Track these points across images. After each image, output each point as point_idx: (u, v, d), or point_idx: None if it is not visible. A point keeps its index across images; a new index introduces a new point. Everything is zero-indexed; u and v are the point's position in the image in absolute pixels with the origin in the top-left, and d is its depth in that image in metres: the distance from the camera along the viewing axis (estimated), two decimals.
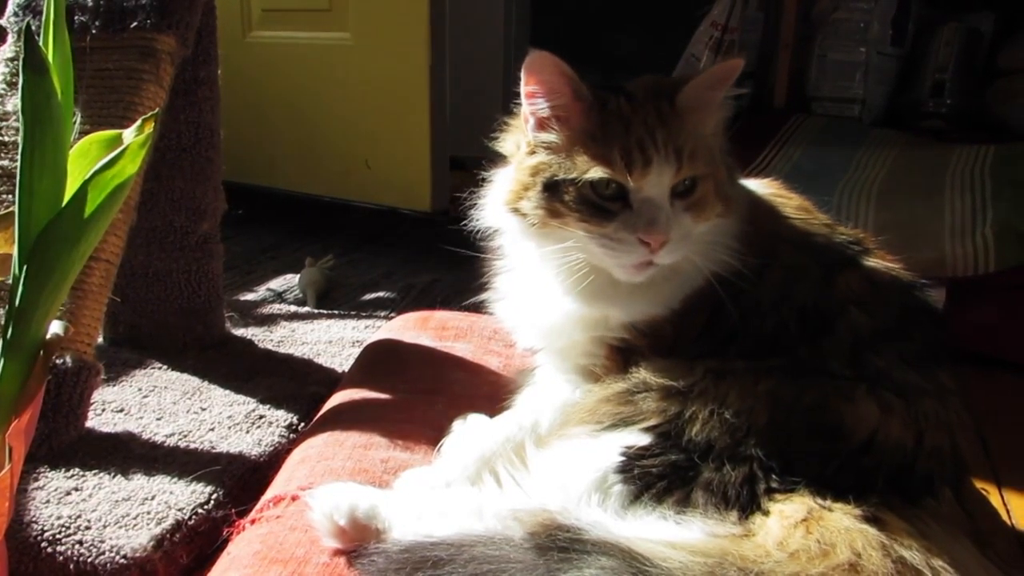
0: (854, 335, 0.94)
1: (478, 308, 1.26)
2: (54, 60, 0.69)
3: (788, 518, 0.77)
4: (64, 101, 0.68)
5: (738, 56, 1.01)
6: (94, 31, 1.42)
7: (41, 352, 0.72)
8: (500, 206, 1.05)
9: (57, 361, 1.22)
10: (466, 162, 2.81)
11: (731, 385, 0.88)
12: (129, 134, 0.71)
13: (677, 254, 0.96)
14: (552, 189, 0.97)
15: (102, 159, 0.68)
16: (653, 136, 0.93)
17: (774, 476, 0.81)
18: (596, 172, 0.94)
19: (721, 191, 1.00)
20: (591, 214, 0.95)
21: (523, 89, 0.99)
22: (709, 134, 1.01)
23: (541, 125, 1.00)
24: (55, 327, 0.75)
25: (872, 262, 1.02)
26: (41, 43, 0.69)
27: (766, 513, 0.79)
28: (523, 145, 1.03)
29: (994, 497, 1.30)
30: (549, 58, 0.95)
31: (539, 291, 1.07)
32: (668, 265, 0.98)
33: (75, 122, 1.37)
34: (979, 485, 1.29)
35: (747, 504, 0.80)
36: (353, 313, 2.07)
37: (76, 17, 1.43)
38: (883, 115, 2.86)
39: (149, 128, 0.70)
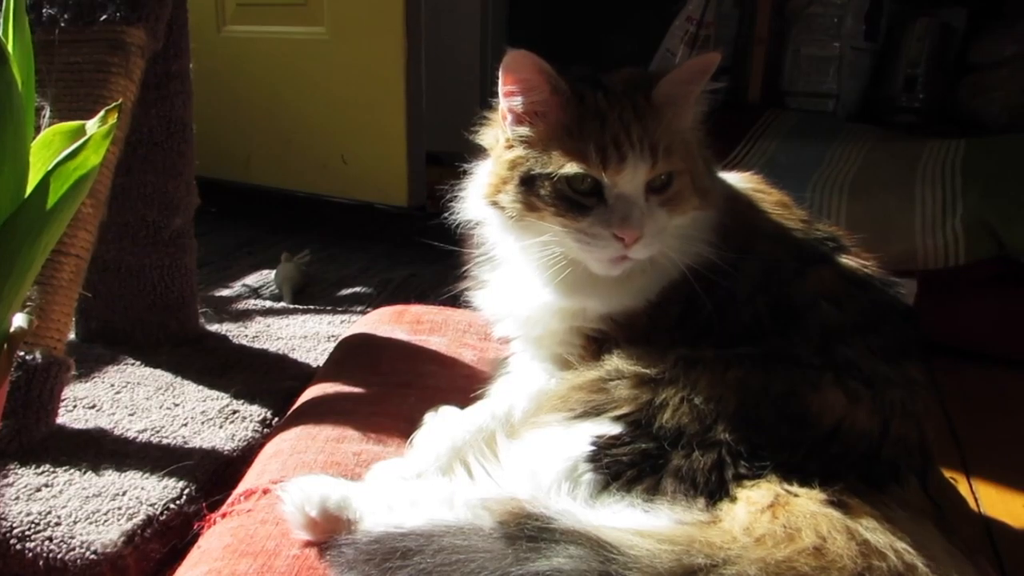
0: (823, 327, 0.95)
1: (454, 302, 1.26)
2: (14, 50, 0.68)
3: (755, 504, 0.78)
4: (25, 92, 0.68)
5: (713, 51, 1.01)
6: (63, 24, 1.40)
7: (5, 345, 0.72)
8: (480, 199, 1.06)
9: (27, 357, 1.21)
10: (443, 157, 2.80)
11: (701, 372, 0.89)
12: (92, 125, 0.70)
13: (652, 248, 0.96)
14: (529, 183, 0.98)
15: (65, 150, 0.67)
16: (628, 132, 0.94)
17: (742, 462, 0.82)
18: (571, 167, 0.94)
19: (698, 185, 1.00)
20: (567, 208, 0.95)
21: (501, 87, 1.00)
22: (686, 128, 1.02)
23: (519, 120, 1.01)
24: (19, 320, 0.74)
25: (846, 259, 1.03)
26: (1, 34, 0.68)
27: (733, 500, 0.80)
28: (502, 139, 1.04)
29: (963, 486, 1.32)
30: (528, 56, 0.95)
31: (518, 281, 1.08)
32: (643, 261, 0.98)
33: (44, 116, 1.36)
34: (948, 475, 1.31)
35: (715, 490, 0.81)
36: (329, 308, 2.06)
37: (45, 10, 1.41)
38: (857, 110, 2.88)
39: (113, 119, 0.69)
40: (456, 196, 1.12)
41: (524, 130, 1.00)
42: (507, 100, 1.00)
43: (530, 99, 0.98)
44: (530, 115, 0.99)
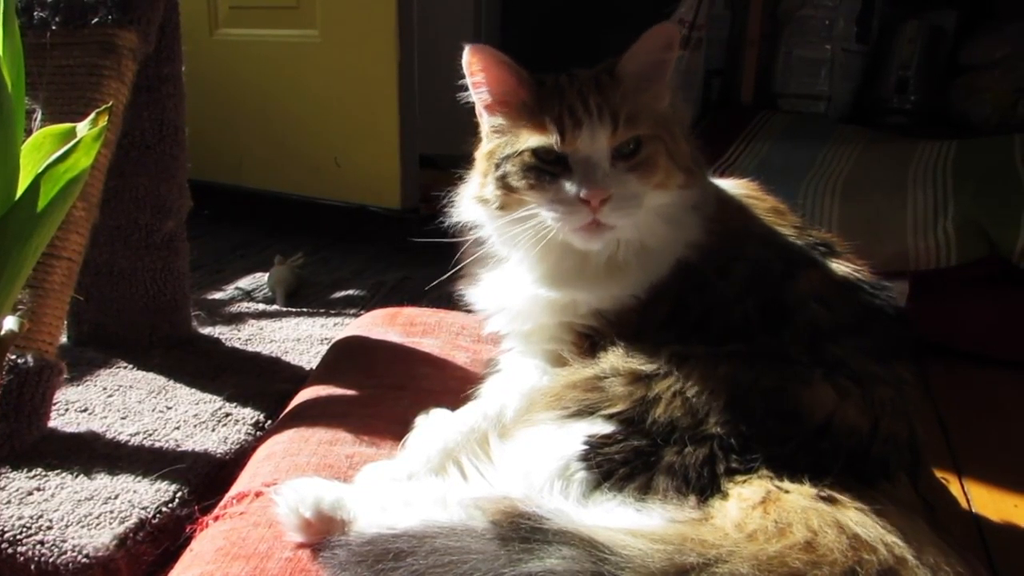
0: (813, 328, 0.95)
1: (448, 303, 1.27)
2: (5, 53, 0.68)
3: (746, 500, 0.78)
4: (15, 94, 0.68)
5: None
6: (54, 27, 1.41)
7: None
8: (470, 200, 1.10)
9: (19, 360, 1.21)
10: (436, 160, 2.80)
11: (693, 367, 0.90)
12: (83, 127, 0.70)
13: (624, 214, 0.97)
14: (503, 166, 1.02)
15: (56, 152, 0.67)
16: (585, 101, 0.97)
17: (734, 456, 0.83)
18: (533, 140, 0.99)
19: (681, 163, 1.02)
20: (536, 179, 0.99)
21: (469, 81, 1.05)
22: (660, 104, 1.04)
23: (491, 111, 1.06)
24: (10, 323, 0.74)
25: (837, 263, 1.03)
26: None
27: (725, 496, 0.80)
28: (483, 136, 1.08)
29: (954, 486, 1.32)
30: (486, 48, 1.01)
31: (509, 276, 1.09)
32: (633, 245, 1.01)
33: (36, 118, 1.36)
34: (940, 474, 1.31)
35: (707, 486, 0.81)
36: (322, 311, 2.06)
37: (36, 13, 1.41)
38: (848, 111, 2.89)
39: (103, 121, 0.69)
40: (450, 200, 1.15)
41: (496, 120, 1.05)
42: (476, 92, 1.05)
43: (495, 89, 1.04)
44: (498, 104, 1.04)
